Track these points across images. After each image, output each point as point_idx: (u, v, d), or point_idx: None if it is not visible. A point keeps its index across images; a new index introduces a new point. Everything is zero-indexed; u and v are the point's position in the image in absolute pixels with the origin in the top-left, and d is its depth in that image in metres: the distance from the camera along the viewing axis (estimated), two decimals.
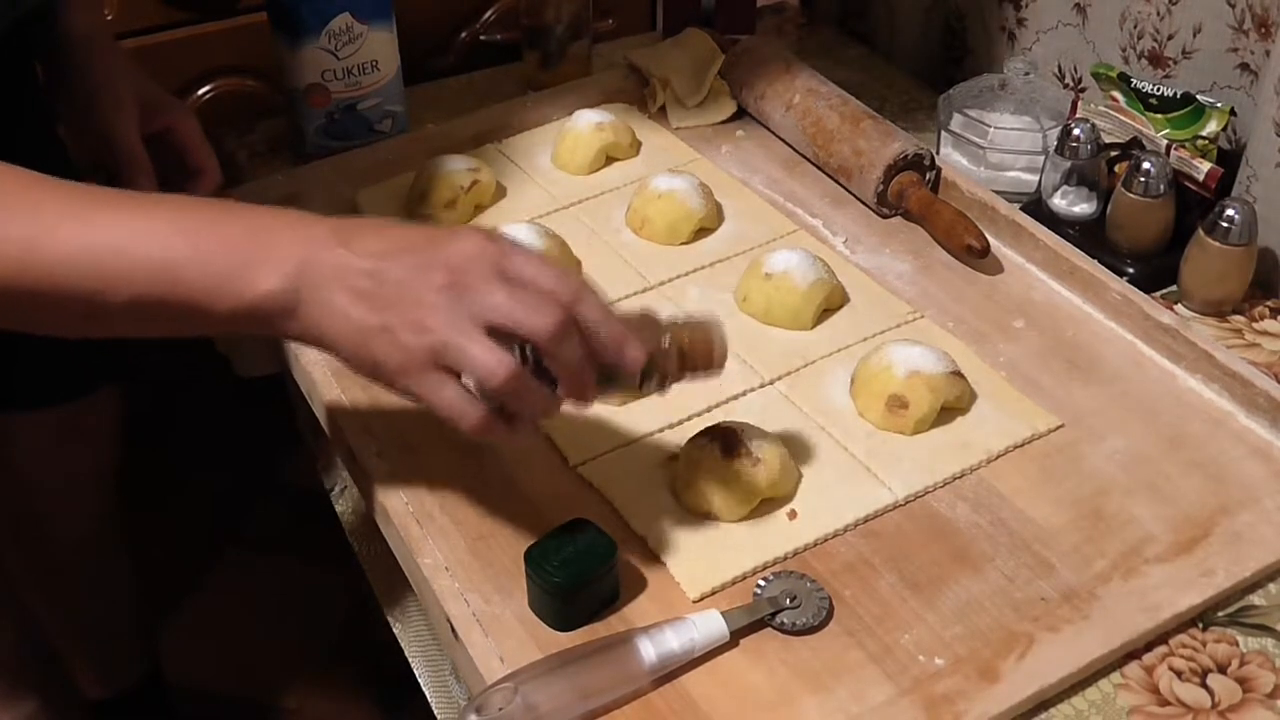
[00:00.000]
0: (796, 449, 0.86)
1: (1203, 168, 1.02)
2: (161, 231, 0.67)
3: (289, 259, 0.66)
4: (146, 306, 0.67)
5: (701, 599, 0.77)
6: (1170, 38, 1.10)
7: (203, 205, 0.71)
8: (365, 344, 0.67)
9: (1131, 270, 1.03)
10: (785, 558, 0.80)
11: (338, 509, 1.11)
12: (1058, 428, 0.89)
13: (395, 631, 1.05)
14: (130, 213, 0.68)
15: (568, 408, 0.71)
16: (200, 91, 1.34)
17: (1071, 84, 1.22)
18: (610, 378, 0.70)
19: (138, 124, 0.99)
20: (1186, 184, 1.04)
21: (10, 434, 1.17)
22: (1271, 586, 0.80)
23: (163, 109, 1.02)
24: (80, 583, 1.32)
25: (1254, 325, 1.01)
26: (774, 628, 0.75)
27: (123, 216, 0.67)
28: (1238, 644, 0.76)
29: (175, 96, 1.08)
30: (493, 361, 0.65)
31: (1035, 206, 1.11)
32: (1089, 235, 1.07)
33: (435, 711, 0.99)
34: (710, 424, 0.85)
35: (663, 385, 0.74)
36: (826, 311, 0.99)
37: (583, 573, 0.75)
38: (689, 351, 0.73)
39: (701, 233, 1.08)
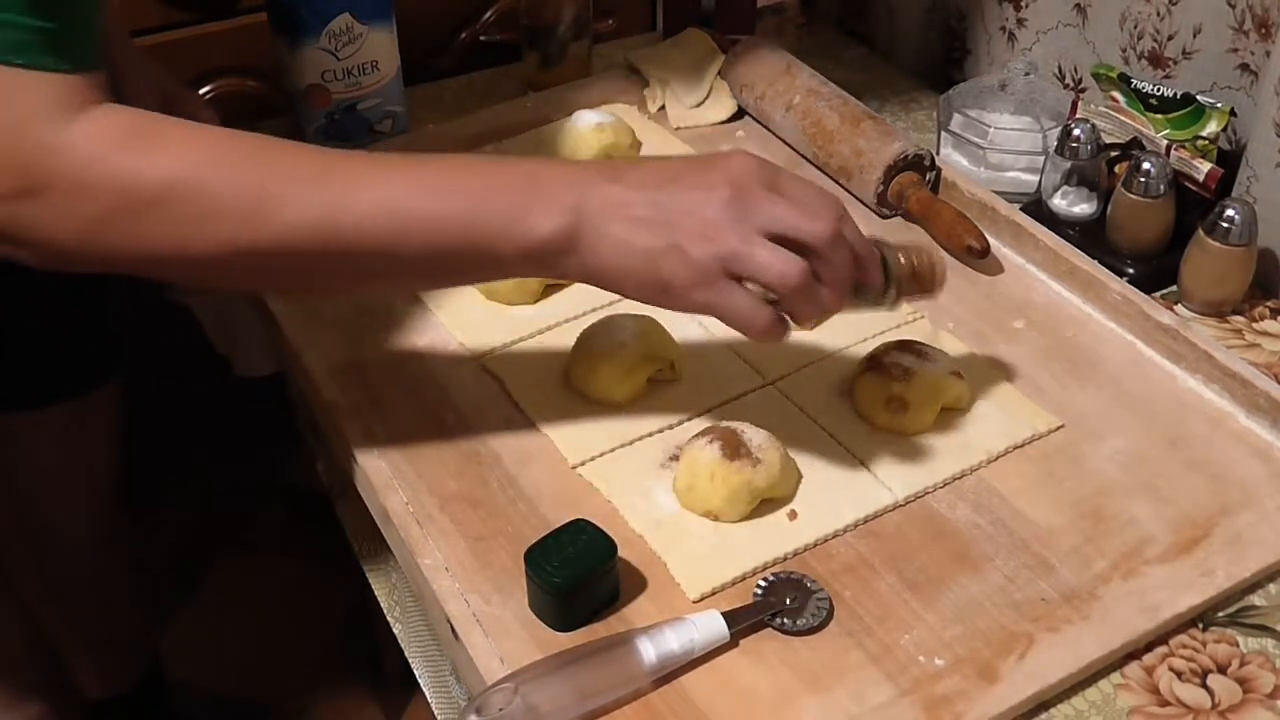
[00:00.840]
0: (796, 449, 0.86)
1: (1203, 168, 1.02)
2: (442, 188, 0.72)
3: (565, 200, 0.71)
4: (439, 257, 0.73)
5: (701, 599, 0.77)
6: (1170, 38, 1.10)
7: (471, 161, 0.76)
8: (652, 265, 0.71)
9: (1131, 270, 1.03)
10: (785, 558, 0.80)
11: (338, 509, 1.11)
12: (1058, 428, 0.89)
13: (395, 631, 1.05)
14: (409, 174, 0.73)
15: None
16: (200, 92, 1.34)
17: (1071, 84, 1.22)
18: (856, 290, 0.77)
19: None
20: (1186, 184, 1.04)
21: (11, 433, 1.17)
22: (1271, 587, 0.80)
23: (181, 101, 1.02)
24: (81, 581, 1.32)
25: (1254, 325, 1.01)
26: (774, 628, 0.75)
27: (403, 178, 0.72)
28: (1238, 644, 0.76)
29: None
30: (784, 264, 0.70)
31: (1035, 207, 1.11)
32: (1089, 235, 1.07)
33: (435, 711, 0.99)
34: (710, 424, 0.85)
35: (897, 299, 0.81)
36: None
37: (583, 573, 0.75)
38: (919, 272, 0.80)
39: None
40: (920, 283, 0.81)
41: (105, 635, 1.40)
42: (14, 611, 1.23)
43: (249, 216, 0.69)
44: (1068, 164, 1.08)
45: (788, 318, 0.74)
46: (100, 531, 1.31)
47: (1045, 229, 1.04)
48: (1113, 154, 1.09)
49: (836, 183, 1.14)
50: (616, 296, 1.00)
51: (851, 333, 0.97)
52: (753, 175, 0.71)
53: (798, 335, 0.96)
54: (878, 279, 0.78)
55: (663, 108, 1.26)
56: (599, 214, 0.71)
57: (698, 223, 0.70)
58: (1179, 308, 1.03)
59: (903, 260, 0.80)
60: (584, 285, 1.03)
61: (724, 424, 0.84)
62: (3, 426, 1.16)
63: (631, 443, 0.88)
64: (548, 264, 0.73)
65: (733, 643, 0.74)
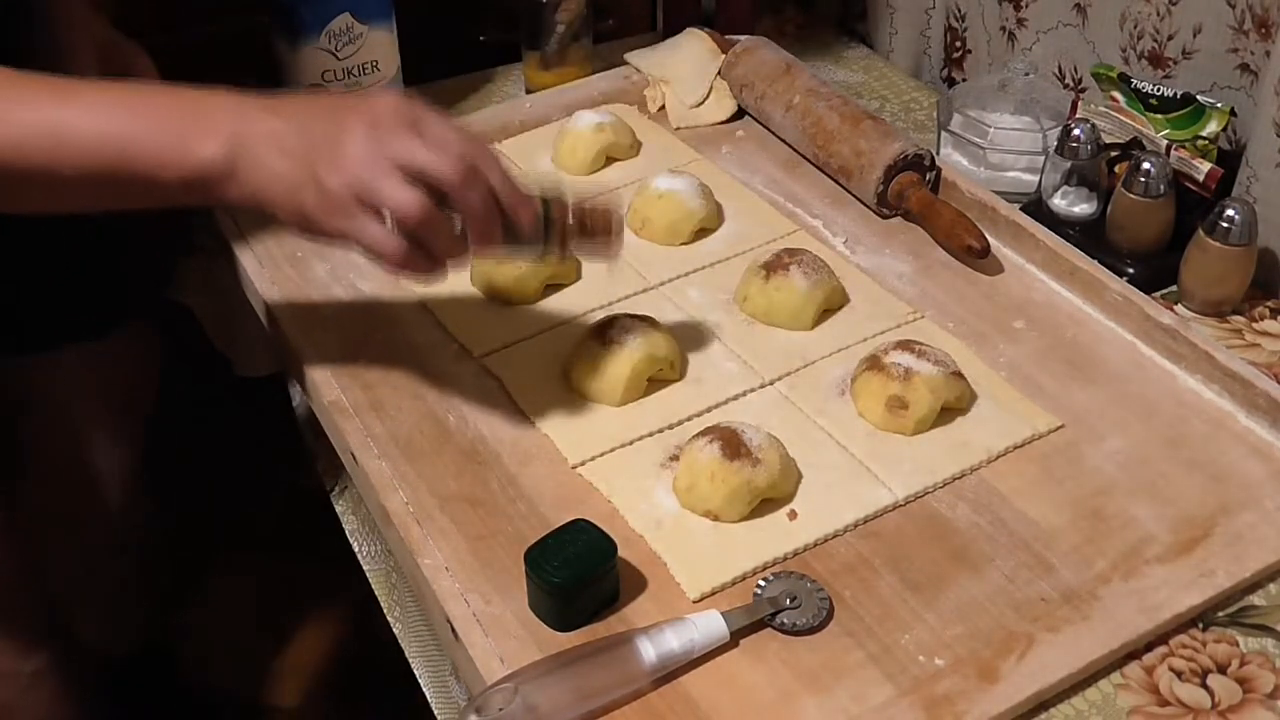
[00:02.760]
0: (796, 449, 0.86)
1: (1203, 168, 1.02)
2: (107, 110, 0.74)
3: (225, 128, 0.74)
4: (98, 177, 0.74)
5: (701, 599, 0.77)
6: (1170, 38, 1.10)
7: (143, 87, 0.78)
8: (295, 195, 0.74)
9: (1131, 270, 1.03)
10: (785, 558, 0.80)
11: (338, 509, 1.11)
12: (1058, 428, 0.89)
13: (395, 631, 1.05)
14: (78, 96, 0.74)
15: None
16: None
17: (1071, 84, 1.22)
18: (514, 236, 0.79)
19: (96, 68, 0.99)
20: (1186, 184, 1.04)
21: (26, 375, 1.18)
22: (1271, 587, 0.80)
23: (119, 52, 1.02)
24: (97, 523, 1.33)
25: (1254, 325, 1.01)
26: (774, 628, 0.75)
27: (71, 99, 0.74)
28: (1238, 644, 0.76)
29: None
30: (407, 197, 0.73)
31: (1035, 207, 1.11)
32: (1089, 235, 1.07)
33: (435, 711, 0.99)
34: (710, 424, 0.85)
35: (562, 247, 0.82)
36: (826, 312, 0.99)
37: (583, 573, 0.75)
38: (590, 226, 0.82)
39: (701, 233, 1.08)
40: (591, 237, 0.82)
41: (116, 587, 1.42)
42: (29, 565, 1.25)
43: None
44: (1068, 164, 1.08)
45: (432, 254, 0.77)
46: (117, 473, 1.32)
47: (1045, 229, 1.04)
48: (1113, 154, 1.09)
49: (837, 182, 1.14)
50: (616, 297, 1.02)
51: (851, 333, 0.97)
52: (394, 113, 0.74)
53: (798, 335, 0.97)
54: (527, 223, 0.78)
55: (663, 108, 1.26)
56: (255, 142, 0.74)
57: (334, 154, 0.73)
58: (1179, 308, 1.02)
59: (571, 214, 0.81)
60: (584, 285, 1.04)
61: (724, 424, 0.84)
62: (19, 369, 1.17)
63: (631, 443, 0.88)
64: (206, 190, 0.75)
65: (733, 643, 0.74)
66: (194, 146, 0.74)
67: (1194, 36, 1.08)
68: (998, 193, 1.10)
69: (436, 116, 0.76)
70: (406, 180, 0.73)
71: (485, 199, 0.76)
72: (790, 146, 1.20)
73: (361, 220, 0.74)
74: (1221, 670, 0.75)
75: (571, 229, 0.82)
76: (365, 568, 1.08)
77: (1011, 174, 1.16)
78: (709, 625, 0.73)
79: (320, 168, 0.73)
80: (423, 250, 0.76)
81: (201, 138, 0.74)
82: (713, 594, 0.78)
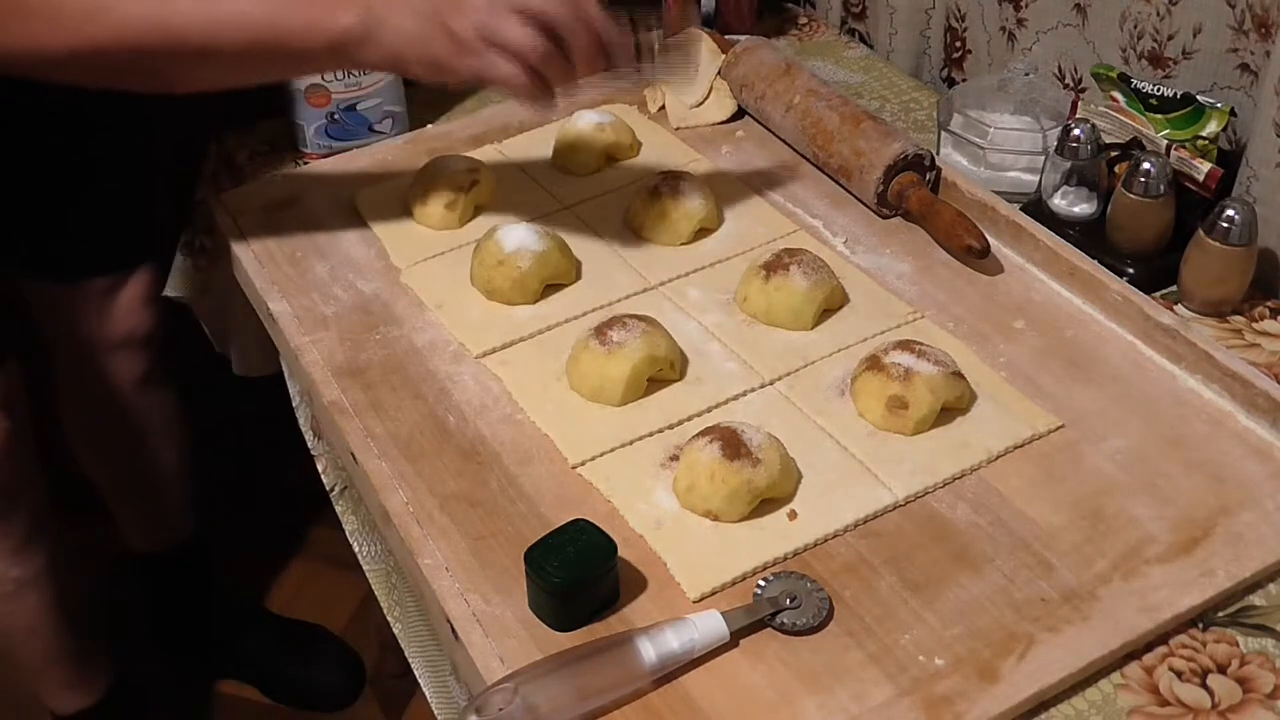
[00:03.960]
0: (796, 449, 0.86)
1: (1203, 168, 1.02)
2: None
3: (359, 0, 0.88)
4: (256, 52, 0.89)
5: (701, 599, 0.77)
6: (1170, 38, 1.10)
7: None
8: (428, 46, 0.88)
9: (1131, 270, 1.03)
10: (785, 558, 0.80)
11: (338, 509, 1.11)
12: (1058, 428, 0.89)
13: (395, 631, 1.05)
14: None
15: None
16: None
17: (1071, 84, 1.22)
18: (613, 63, 0.92)
19: None
20: (1186, 184, 1.04)
21: (53, 302, 1.30)
22: (1271, 587, 0.80)
23: None
24: (127, 437, 1.42)
25: (1254, 325, 1.01)
26: (774, 628, 0.75)
27: None
28: (1238, 644, 0.76)
29: None
30: (527, 34, 0.87)
31: (1035, 207, 1.11)
32: (1089, 235, 1.07)
33: (435, 711, 0.99)
34: (710, 424, 0.85)
35: (655, 76, 0.98)
36: (826, 312, 0.99)
37: (583, 573, 0.75)
38: (672, 50, 0.97)
39: (701, 233, 1.08)
40: (673, 62, 0.98)
41: (151, 492, 1.50)
42: (34, 469, 1.29)
43: (89, 18, 0.86)
44: (1068, 164, 1.08)
45: (548, 84, 0.90)
46: (140, 394, 1.39)
47: (1045, 229, 1.04)
48: (1113, 154, 1.09)
49: (837, 182, 1.14)
50: (616, 297, 1.02)
51: (851, 333, 0.97)
52: None
53: (798, 335, 0.97)
54: (624, 53, 0.92)
55: (663, 108, 1.26)
56: (384, 8, 0.88)
57: (459, 6, 0.87)
58: (1179, 308, 1.02)
59: (657, 38, 0.95)
60: (584, 285, 1.04)
61: (724, 424, 0.84)
62: (48, 296, 1.29)
63: (631, 443, 0.88)
64: (348, 54, 0.89)
65: (733, 643, 0.74)
66: (334, 16, 0.88)
67: (1194, 36, 1.08)
68: (998, 193, 1.10)
69: None
70: (524, 21, 0.86)
71: (590, 34, 0.89)
72: (790, 146, 1.20)
73: (489, 57, 0.87)
74: (1221, 670, 0.75)
75: (659, 54, 0.96)
76: (365, 568, 1.08)
77: (1011, 174, 1.16)
78: (709, 625, 0.73)
79: (449, 18, 0.86)
80: (541, 80, 0.89)
81: (339, 8, 0.88)
82: (713, 594, 0.78)
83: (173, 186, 1.29)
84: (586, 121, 1.17)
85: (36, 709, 1.47)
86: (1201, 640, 0.76)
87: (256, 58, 0.90)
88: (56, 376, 1.38)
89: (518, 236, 1.00)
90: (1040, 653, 0.74)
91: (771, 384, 0.93)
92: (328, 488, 1.12)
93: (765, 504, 0.82)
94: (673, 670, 0.72)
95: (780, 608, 0.75)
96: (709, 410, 0.91)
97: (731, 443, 0.81)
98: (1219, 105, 1.04)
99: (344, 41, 0.88)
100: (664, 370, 0.92)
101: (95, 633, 1.45)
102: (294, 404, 1.17)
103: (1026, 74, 1.18)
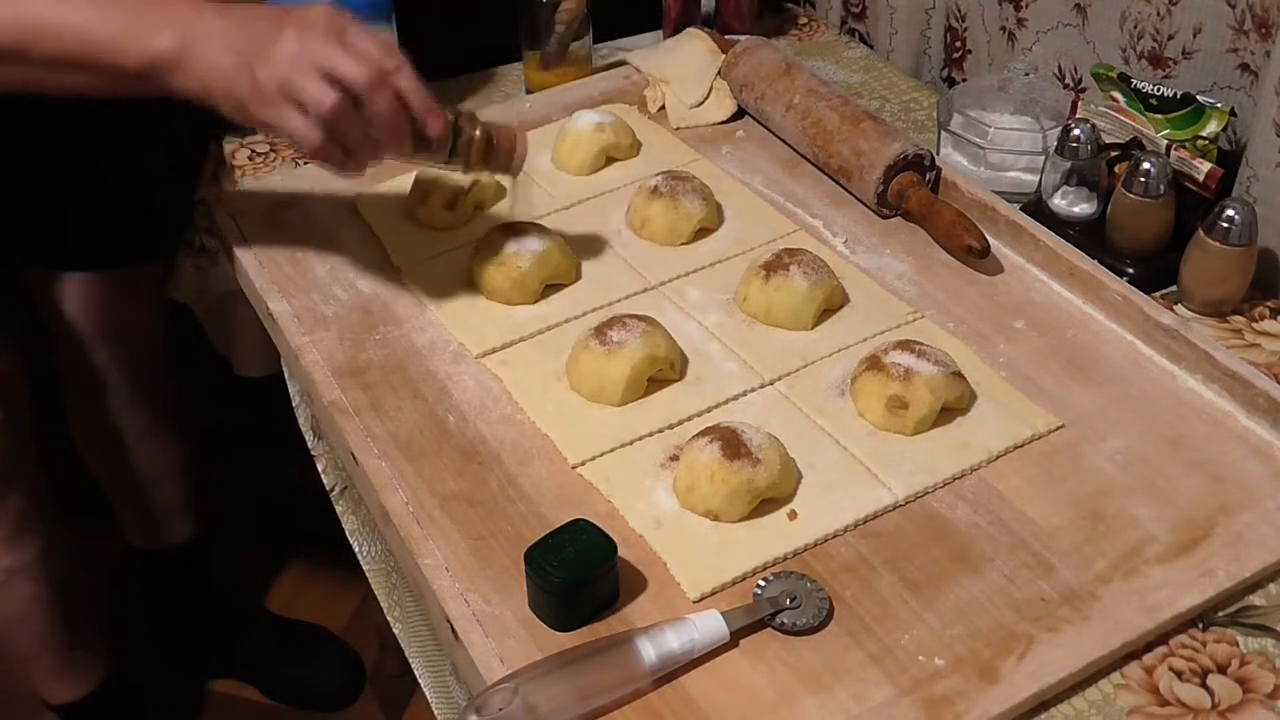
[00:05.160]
0: (796, 449, 0.86)
1: (1203, 168, 1.02)
2: (72, 2, 0.84)
3: (178, 25, 0.85)
4: (65, 61, 0.85)
5: (701, 599, 0.77)
6: (1170, 38, 1.10)
7: None
8: (233, 86, 0.85)
9: (1131, 270, 1.03)
10: (785, 558, 0.80)
11: (338, 509, 1.11)
12: (1058, 428, 0.89)
13: (395, 631, 1.05)
14: None
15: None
16: None
17: (1071, 84, 1.22)
18: (424, 143, 0.90)
19: None
20: (1186, 184, 1.04)
21: (60, 291, 1.29)
22: (1271, 587, 0.80)
23: None
24: (129, 432, 1.42)
25: (1254, 325, 1.01)
26: (774, 628, 0.75)
27: None
28: (1238, 644, 0.76)
29: None
30: (322, 93, 0.84)
31: (1035, 207, 1.11)
32: (1089, 235, 1.07)
33: (435, 711, 0.99)
34: (710, 424, 0.85)
35: (468, 165, 0.94)
36: (826, 312, 0.99)
37: (583, 573, 0.75)
38: (495, 144, 0.93)
39: (701, 233, 1.08)
40: (495, 156, 0.93)
41: (150, 487, 1.50)
42: (29, 463, 1.30)
43: None
44: (1068, 164, 1.08)
45: (346, 149, 0.87)
46: (141, 389, 1.40)
47: (1045, 229, 1.04)
48: (1113, 154, 1.09)
49: (837, 182, 1.14)
50: (616, 297, 1.02)
51: (851, 333, 0.97)
52: (322, 22, 0.85)
53: (798, 335, 0.97)
54: (435, 130, 0.89)
55: (663, 108, 1.26)
56: (203, 38, 0.85)
57: (267, 53, 0.84)
58: (1179, 308, 1.02)
59: (478, 131, 0.92)
60: (584, 285, 1.04)
61: (724, 424, 0.84)
62: (51, 287, 1.29)
63: (631, 443, 0.88)
64: (157, 78, 0.86)
65: (733, 643, 0.74)
66: (149, 39, 0.84)
67: (1194, 36, 1.08)
68: (998, 193, 1.10)
69: (361, 30, 0.87)
70: (325, 80, 0.84)
71: (392, 104, 0.86)
72: (790, 146, 1.20)
73: (286, 111, 0.85)
74: (1221, 670, 0.75)
75: (478, 142, 0.92)
76: (365, 568, 1.08)
77: (1011, 174, 1.16)
78: (709, 625, 0.73)
79: (255, 63, 0.84)
80: (338, 145, 0.87)
81: (156, 31, 0.84)
82: (713, 594, 0.78)
83: (176, 182, 1.29)
84: (586, 121, 1.17)
85: (31, 701, 1.48)
86: (1201, 640, 0.76)
87: (66, 67, 0.86)
88: (57, 368, 1.38)
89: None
90: (1040, 653, 0.74)
91: (771, 384, 0.93)
92: (328, 488, 1.12)
93: (765, 504, 0.82)
94: (673, 670, 0.72)
95: (780, 608, 0.75)
96: (709, 410, 0.91)
97: (731, 443, 0.81)
98: (1219, 105, 1.04)
99: (155, 64, 0.85)
100: (664, 370, 0.92)
101: (90, 625, 1.46)
102: (294, 404, 1.17)
103: (1026, 74, 1.18)
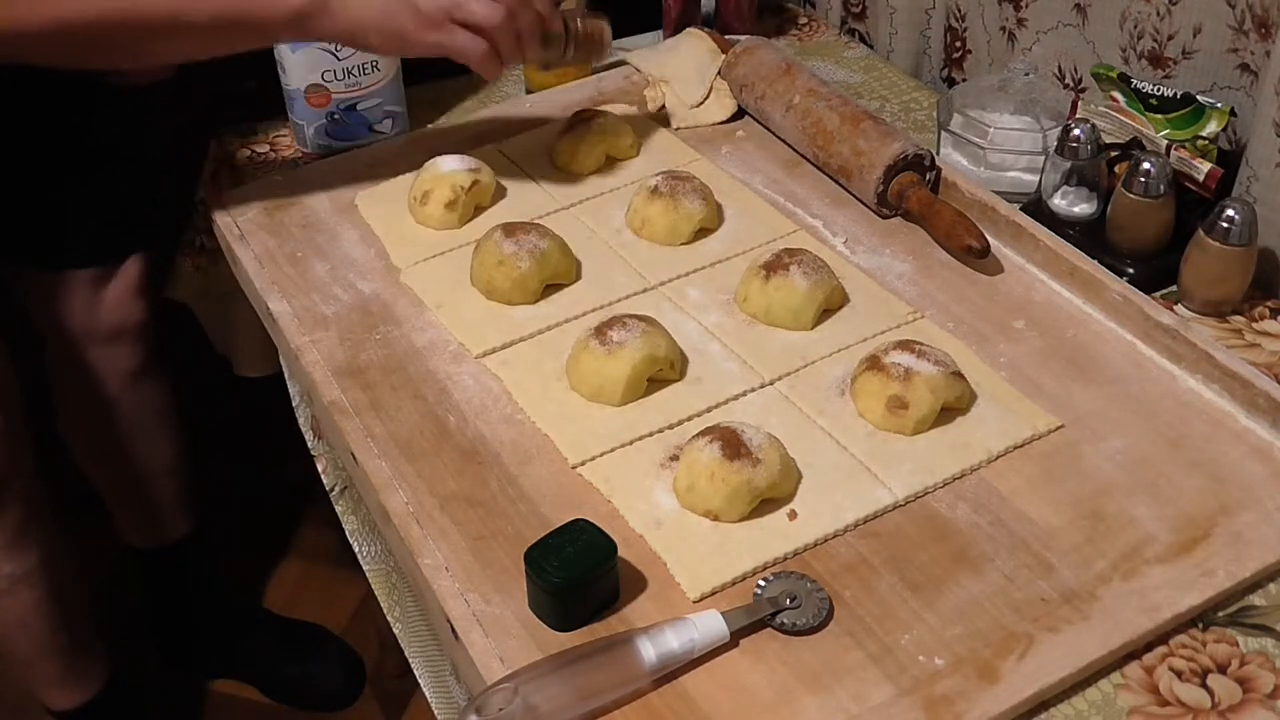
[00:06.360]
0: (796, 449, 0.86)
1: (1203, 168, 1.02)
2: None
3: None
4: (220, 24, 0.95)
5: (701, 599, 0.77)
6: (1170, 38, 1.10)
7: None
8: (392, 20, 0.96)
9: (1131, 270, 1.03)
10: (785, 558, 0.80)
11: (338, 509, 1.11)
12: (1058, 428, 0.89)
13: (395, 631, 1.05)
14: None
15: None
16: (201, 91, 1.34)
17: (1071, 84, 1.22)
18: (545, 40, 1.05)
19: None
20: (1186, 184, 1.04)
21: (44, 290, 1.31)
22: (1271, 587, 0.80)
23: None
24: (122, 431, 1.43)
25: (1254, 325, 1.01)
26: (774, 628, 0.75)
27: None
28: (1238, 644, 0.76)
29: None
30: (490, 9, 0.97)
31: (1035, 207, 1.11)
32: (1089, 235, 1.07)
33: (435, 711, 0.99)
34: (710, 424, 0.85)
35: (575, 56, 1.10)
36: (826, 312, 0.99)
37: (583, 573, 0.75)
38: (590, 34, 1.09)
39: (701, 233, 1.08)
40: (590, 44, 1.10)
41: (141, 487, 1.50)
42: (29, 468, 1.30)
43: None
44: (1068, 164, 1.08)
45: (501, 55, 1.00)
46: (132, 387, 1.40)
47: (1045, 229, 1.04)
48: (1113, 154, 1.09)
49: (837, 182, 1.14)
50: (616, 297, 1.02)
51: (852, 333, 0.97)
52: None
53: (798, 335, 0.97)
54: (558, 33, 1.06)
55: (663, 108, 1.26)
56: None
57: None
58: (1179, 308, 1.03)
59: (580, 25, 1.08)
60: (584, 285, 1.04)
61: (724, 424, 0.84)
62: (37, 286, 1.31)
63: (631, 443, 0.88)
64: (307, 27, 0.96)
65: (733, 643, 0.74)
66: None
67: (1194, 36, 1.08)
68: (998, 193, 1.10)
69: None
70: (484, 1, 0.97)
71: (533, 15, 1.01)
72: (790, 146, 1.20)
73: (453, 31, 0.97)
74: (1221, 670, 0.75)
75: (582, 41, 1.09)
76: (365, 568, 1.08)
77: (1011, 174, 1.16)
78: (709, 625, 0.73)
79: None
80: (495, 52, 0.99)
81: None
82: (713, 594, 0.78)
83: (170, 181, 1.30)
84: (586, 122, 1.17)
85: (33, 707, 1.48)
86: (1201, 640, 0.76)
87: (221, 30, 0.95)
88: (49, 369, 1.38)
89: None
90: (1040, 653, 0.74)
91: (771, 384, 0.93)
92: (328, 488, 1.12)
93: (765, 504, 0.82)
94: (673, 670, 0.72)
95: (780, 608, 0.75)
96: (709, 410, 0.91)
97: (731, 443, 0.81)
98: (1219, 105, 1.04)
99: (305, 12, 0.94)
100: (664, 370, 0.92)
101: (90, 630, 1.46)
102: (294, 404, 1.17)
103: (1026, 74, 1.18)
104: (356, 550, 1.09)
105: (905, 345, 0.90)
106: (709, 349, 0.96)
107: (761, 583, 0.77)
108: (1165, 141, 1.05)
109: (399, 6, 0.95)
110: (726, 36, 1.32)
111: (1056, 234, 1.04)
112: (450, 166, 1.11)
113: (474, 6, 0.97)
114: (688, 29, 1.32)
